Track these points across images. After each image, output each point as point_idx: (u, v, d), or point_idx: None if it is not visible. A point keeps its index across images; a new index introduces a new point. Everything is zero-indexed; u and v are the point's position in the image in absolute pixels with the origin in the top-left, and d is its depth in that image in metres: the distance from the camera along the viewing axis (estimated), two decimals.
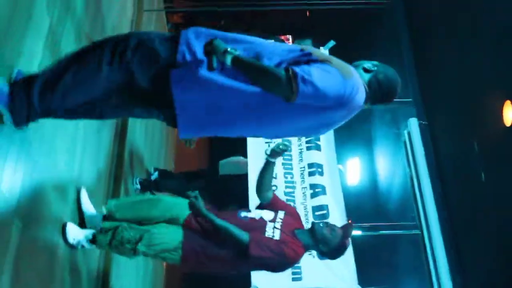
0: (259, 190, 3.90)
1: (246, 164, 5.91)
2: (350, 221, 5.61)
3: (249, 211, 3.81)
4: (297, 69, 2.37)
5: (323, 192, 5.44)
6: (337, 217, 5.29)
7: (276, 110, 2.48)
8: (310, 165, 5.58)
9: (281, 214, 3.81)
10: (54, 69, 2.53)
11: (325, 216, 5.27)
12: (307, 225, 4.11)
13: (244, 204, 5.51)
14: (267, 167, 3.85)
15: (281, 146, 3.69)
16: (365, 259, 5.62)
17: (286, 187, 5.50)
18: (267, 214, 3.76)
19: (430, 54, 6.54)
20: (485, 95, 5.25)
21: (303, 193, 5.46)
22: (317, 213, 5.32)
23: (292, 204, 5.32)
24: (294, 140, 5.68)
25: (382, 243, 6.89)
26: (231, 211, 3.86)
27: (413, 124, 6.14)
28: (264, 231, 3.61)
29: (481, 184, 5.16)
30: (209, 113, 2.50)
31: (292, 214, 3.90)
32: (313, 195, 5.44)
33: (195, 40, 2.50)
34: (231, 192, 6.01)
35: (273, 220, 3.71)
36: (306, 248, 3.73)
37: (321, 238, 3.64)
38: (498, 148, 4.98)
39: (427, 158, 5.99)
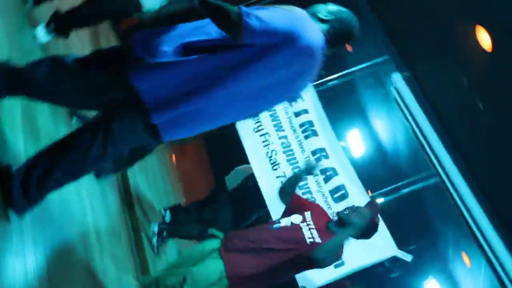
0: (283, 193, 4.02)
1: (249, 168, 5.95)
2: (369, 192, 5.63)
3: (279, 221, 3.82)
4: (246, 8, 2.38)
5: (335, 173, 5.43)
6: (356, 193, 5.28)
7: (239, 71, 2.47)
8: (313, 152, 5.57)
9: (308, 214, 3.83)
10: (42, 165, 2.54)
11: (345, 195, 5.26)
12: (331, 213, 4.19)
13: (262, 203, 5.59)
14: (296, 178, 4.14)
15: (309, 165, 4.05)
16: (397, 222, 5.62)
17: None
18: (296, 218, 3.78)
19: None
20: (456, 28, 5.25)
21: (315, 181, 5.45)
22: (335, 195, 5.31)
23: (309, 196, 5.33)
24: (290, 133, 5.68)
25: (407, 202, 6.88)
26: (262, 226, 3.93)
27: (397, 78, 6.13)
28: (303, 236, 3.63)
29: (482, 113, 5.15)
30: (182, 102, 2.49)
31: (316, 210, 3.94)
32: (326, 180, 5.43)
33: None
34: (248, 200, 6.02)
35: (304, 221, 3.74)
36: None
37: (352, 225, 3.67)
38: (486, 74, 4.98)
39: (422, 106, 5.98)
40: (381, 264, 5.06)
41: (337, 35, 2.66)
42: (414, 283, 7.97)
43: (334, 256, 3.67)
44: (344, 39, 2.73)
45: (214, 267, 3.61)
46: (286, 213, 3.93)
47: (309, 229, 3.69)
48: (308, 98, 5.88)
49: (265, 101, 2.75)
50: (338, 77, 6.44)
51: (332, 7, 2.70)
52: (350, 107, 9.42)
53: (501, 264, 5.11)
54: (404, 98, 6.07)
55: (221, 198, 6.05)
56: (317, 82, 6.40)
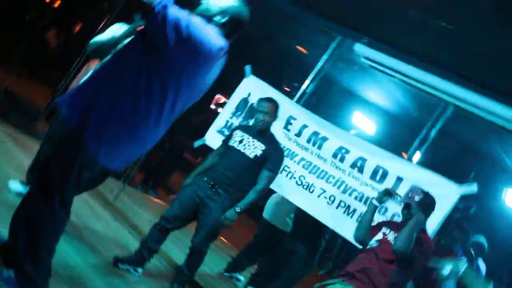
0: (363, 230, 4.35)
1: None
2: (404, 154, 5.61)
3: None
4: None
5: (363, 160, 5.36)
6: (393, 164, 5.22)
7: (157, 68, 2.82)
8: (334, 155, 5.52)
9: (385, 228, 4.28)
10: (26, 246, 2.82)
11: (385, 173, 5.15)
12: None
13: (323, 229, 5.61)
14: (371, 210, 4.35)
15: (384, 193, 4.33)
16: (443, 165, 5.58)
17: (360, 200, 5.33)
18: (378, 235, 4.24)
19: None
20: None
21: (353, 177, 5.38)
22: (377, 178, 5.22)
23: (356, 194, 5.29)
24: (304, 152, 5.68)
25: (440, 143, 6.77)
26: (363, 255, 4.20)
27: (360, 48, 6.16)
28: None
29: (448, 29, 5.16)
30: (117, 120, 2.82)
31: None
32: (361, 170, 5.37)
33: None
34: (312, 233, 6.02)
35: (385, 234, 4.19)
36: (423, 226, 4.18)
37: (419, 205, 4.09)
38: None
39: (397, 57, 5.98)
40: (455, 210, 4.97)
41: (231, 30, 3.04)
42: (494, 203, 7.86)
43: (410, 242, 3.94)
44: (238, 30, 3.08)
45: None
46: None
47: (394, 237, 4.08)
48: (299, 115, 5.88)
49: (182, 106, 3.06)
50: (311, 81, 6.46)
51: (226, 2, 3.04)
52: (339, 98, 9.48)
53: None
54: (377, 59, 6.08)
55: (292, 243, 6.05)
56: (296, 96, 6.43)
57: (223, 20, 3.02)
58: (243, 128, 5.20)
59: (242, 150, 4.97)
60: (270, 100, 5.17)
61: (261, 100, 5.15)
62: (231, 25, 3.03)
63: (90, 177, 2.91)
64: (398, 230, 4.14)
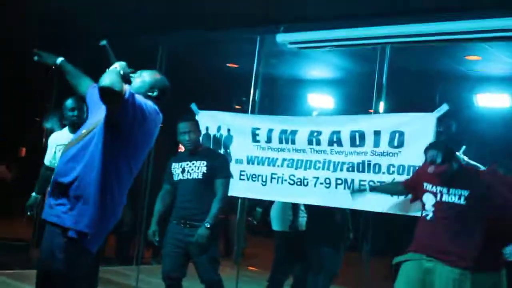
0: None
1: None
2: (370, 111, 5.66)
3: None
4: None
5: (358, 132, 5.24)
6: (381, 123, 5.20)
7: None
8: (330, 143, 5.46)
9: (428, 185, 4.23)
10: None
11: (401, 135, 4.99)
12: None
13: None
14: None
15: None
16: (409, 103, 5.62)
17: (352, 170, 5.26)
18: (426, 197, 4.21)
19: None
20: None
21: (356, 154, 5.28)
22: (395, 143, 5.07)
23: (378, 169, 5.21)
24: (302, 155, 5.62)
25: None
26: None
27: (281, 38, 6.20)
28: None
29: None
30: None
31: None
32: (361, 144, 5.22)
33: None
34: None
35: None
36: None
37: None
38: None
39: (315, 27, 6.03)
40: (438, 134, 5.03)
41: (161, 99, 3.47)
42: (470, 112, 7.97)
43: None
44: (165, 97, 3.52)
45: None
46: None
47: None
48: (260, 123, 5.88)
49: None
50: (254, 89, 6.50)
51: (151, 78, 3.49)
52: (288, 90, 9.54)
53: None
54: (300, 39, 6.12)
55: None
56: (249, 108, 6.47)
57: (155, 94, 3.43)
58: (176, 159, 5.27)
59: (189, 177, 5.08)
60: (187, 119, 5.28)
61: (179, 123, 5.19)
62: (160, 95, 3.46)
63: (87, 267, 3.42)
64: (444, 181, 4.06)
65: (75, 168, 3.19)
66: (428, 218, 4.14)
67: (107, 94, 2.95)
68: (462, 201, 4.00)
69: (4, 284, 6.25)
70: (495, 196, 4.01)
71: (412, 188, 4.44)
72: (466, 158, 5.35)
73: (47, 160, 5.30)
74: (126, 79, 3.26)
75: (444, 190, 4.08)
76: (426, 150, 4.12)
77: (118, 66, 3.16)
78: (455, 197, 4.03)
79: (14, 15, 7.38)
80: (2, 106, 11.75)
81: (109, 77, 2.97)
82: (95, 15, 6.94)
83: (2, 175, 14.11)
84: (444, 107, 4.81)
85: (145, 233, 6.08)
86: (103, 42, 3.16)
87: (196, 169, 5.07)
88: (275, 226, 6.47)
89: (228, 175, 5.23)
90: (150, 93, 3.42)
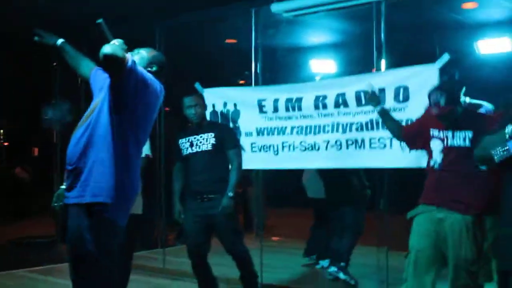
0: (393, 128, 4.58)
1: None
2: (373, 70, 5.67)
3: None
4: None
5: (362, 91, 5.07)
6: (385, 80, 5.25)
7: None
8: (336, 105, 5.50)
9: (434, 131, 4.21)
10: None
11: (405, 91, 5.08)
12: None
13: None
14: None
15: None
16: (411, 57, 5.61)
17: (361, 130, 5.35)
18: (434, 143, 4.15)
19: None
20: None
21: (363, 113, 5.36)
22: (400, 98, 5.20)
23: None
24: (310, 121, 5.70)
25: None
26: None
27: (274, 7, 6.20)
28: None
29: None
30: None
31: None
32: (366, 103, 5.17)
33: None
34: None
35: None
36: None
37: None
38: None
39: None
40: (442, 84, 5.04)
41: (160, 74, 3.57)
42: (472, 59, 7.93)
43: None
44: (163, 71, 3.64)
45: None
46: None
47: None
48: (265, 94, 5.98)
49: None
50: (255, 62, 6.51)
51: (149, 54, 3.61)
52: (289, 59, 9.54)
53: None
54: (294, 7, 6.10)
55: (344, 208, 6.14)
56: (252, 81, 6.49)
57: (154, 69, 3.54)
58: (183, 134, 5.27)
59: (199, 150, 5.09)
60: (191, 94, 5.29)
61: (184, 98, 5.19)
62: (159, 70, 3.59)
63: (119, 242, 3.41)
64: (450, 125, 4.05)
65: (84, 147, 3.27)
66: (436, 167, 4.12)
67: (110, 61, 3.01)
68: (467, 143, 3.97)
69: (35, 280, 6.39)
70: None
71: (412, 136, 4.38)
72: (468, 99, 5.38)
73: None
74: None
75: (449, 134, 4.06)
76: (429, 95, 4.09)
77: (116, 43, 3.15)
78: (460, 139, 4.01)
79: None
80: (8, 111, 11.84)
81: (111, 46, 3.01)
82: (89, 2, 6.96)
83: (20, 175, 14.26)
84: (445, 57, 4.83)
85: (167, 216, 6.15)
86: (99, 21, 3.14)
87: (205, 141, 5.08)
88: (310, 193, 6.56)
89: (238, 144, 5.25)
90: (149, 69, 3.50)
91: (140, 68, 3.26)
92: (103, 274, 3.26)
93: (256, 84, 6.40)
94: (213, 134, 5.08)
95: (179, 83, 6.17)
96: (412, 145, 4.45)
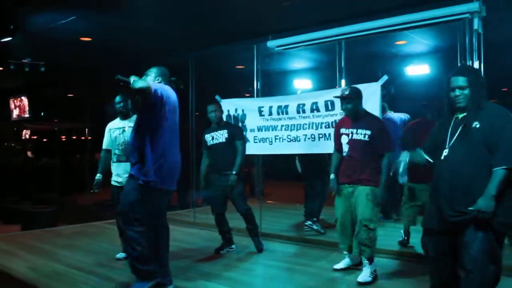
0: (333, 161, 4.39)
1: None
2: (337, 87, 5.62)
3: None
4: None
5: (330, 101, 5.28)
6: None
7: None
8: (311, 110, 5.46)
9: (344, 129, 4.23)
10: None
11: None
12: None
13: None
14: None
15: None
16: (362, 77, 5.59)
17: (329, 127, 5.24)
18: None
19: None
20: None
21: (330, 115, 5.38)
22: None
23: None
24: (293, 121, 5.64)
25: None
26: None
27: (270, 43, 6.17)
28: None
29: None
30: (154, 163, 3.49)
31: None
32: (332, 108, 5.23)
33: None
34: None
35: None
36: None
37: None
38: None
39: (291, 34, 6.04)
40: (382, 96, 5.04)
41: (168, 81, 3.77)
42: (402, 78, 7.92)
43: None
44: (170, 78, 3.80)
45: None
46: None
47: None
48: (264, 103, 5.93)
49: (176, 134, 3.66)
50: (257, 81, 6.49)
51: (154, 73, 3.71)
52: (279, 79, 9.47)
53: None
54: (283, 44, 6.06)
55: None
56: (255, 94, 6.48)
57: (160, 80, 3.67)
58: (207, 131, 5.23)
59: (217, 142, 5.09)
60: (212, 102, 5.28)
61: (208, 105, 5.19)
62: (165, 79, 3.72)
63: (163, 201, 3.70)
64: (351, 124, 4.12)
65: (133, 145, 3.56)
66: (345, 155, 4.16)
67: (142, 91, 3.30)
68: (366, 138, 4.03)
69: (111, 229, 6.41)
70: (381, 134, 4.05)
71: (336, 138, 4.35)
72: (391, 113, 5.37)
73: (105, 144, 4.87)
74: None
75: (354, 130, 4.10)
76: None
77: (135, 78, 3.34)
78: (361, 135, 4.06)
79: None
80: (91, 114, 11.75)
81: (139, 82, 3.28)
82: (140, 44, 6.98)
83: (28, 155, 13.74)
84: (385, 77, 4.85)
85: (197, 185, 6.14)
86: (117, 76, 3.27)
87: (221, 136, 5.08)
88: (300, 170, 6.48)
89: (243, 138, 5.20)
90: (157, 81, 3.67)
91: (159, 88, 3.46)
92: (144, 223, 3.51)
93: (257, 96, 6.42)
94: (226, 131, 5.09)
95: (205, 95, 6.21)
96: (338, 147, 4.34)
